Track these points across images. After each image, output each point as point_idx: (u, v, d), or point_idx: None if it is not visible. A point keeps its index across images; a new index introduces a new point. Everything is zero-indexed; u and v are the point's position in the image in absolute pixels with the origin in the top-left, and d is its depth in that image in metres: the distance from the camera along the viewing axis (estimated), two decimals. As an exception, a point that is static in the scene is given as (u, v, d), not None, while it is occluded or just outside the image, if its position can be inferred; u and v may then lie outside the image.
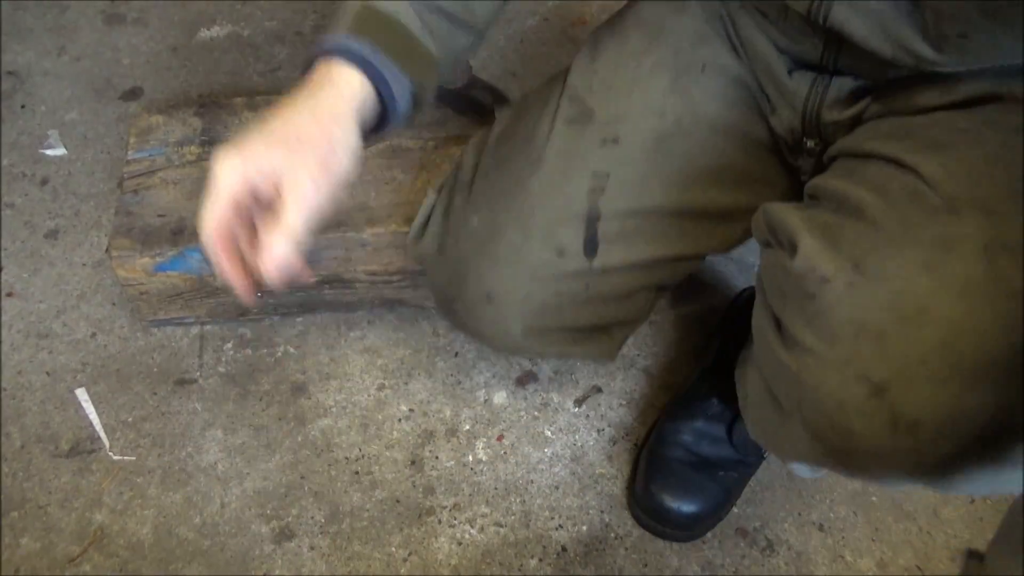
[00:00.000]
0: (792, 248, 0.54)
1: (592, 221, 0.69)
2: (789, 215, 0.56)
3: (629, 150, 0.69)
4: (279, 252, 0.49)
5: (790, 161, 0.73)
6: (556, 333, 0.75)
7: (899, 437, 0.47)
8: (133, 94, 1.22)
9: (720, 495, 0.84)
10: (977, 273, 0.46)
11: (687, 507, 0.83)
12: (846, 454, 0.52)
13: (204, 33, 1.31)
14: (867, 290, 0.48)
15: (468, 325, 0.76)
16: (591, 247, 0.70)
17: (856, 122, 0.65)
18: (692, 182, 0.70)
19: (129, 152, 0.96)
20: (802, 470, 0.74)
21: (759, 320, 0.61)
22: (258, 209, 0.51)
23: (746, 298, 0.95)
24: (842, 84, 0.64)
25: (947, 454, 0.46)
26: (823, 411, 0.51)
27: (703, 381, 0.90)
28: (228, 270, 0.51)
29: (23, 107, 1.19)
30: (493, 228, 0.70)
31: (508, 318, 0.72)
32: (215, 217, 0.50)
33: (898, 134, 0.58)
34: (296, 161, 0.49)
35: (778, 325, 0.56)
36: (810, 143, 0.68)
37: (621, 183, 0.69)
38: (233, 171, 0.49)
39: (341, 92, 0.52)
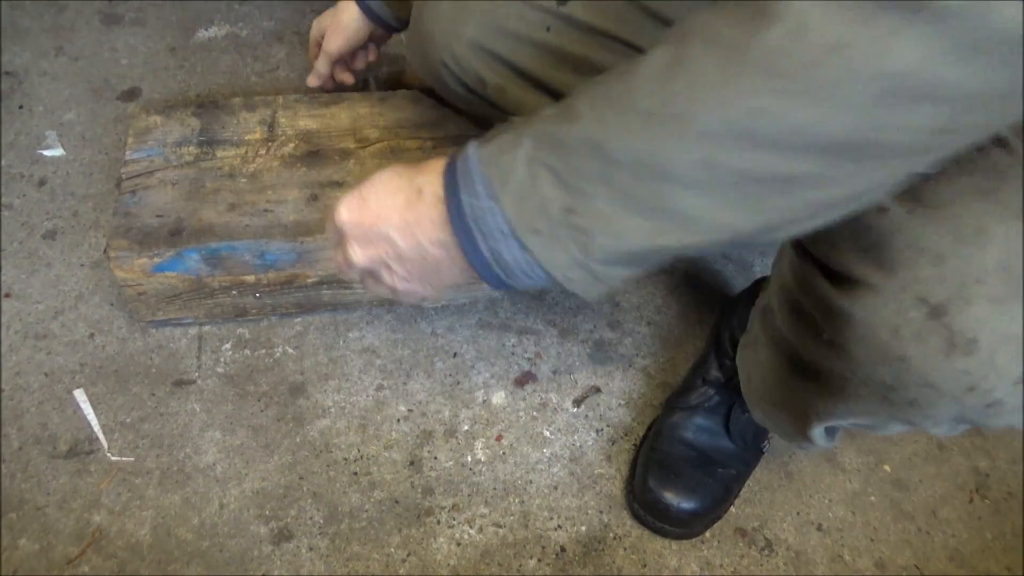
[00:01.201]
0: None
1: None
2: None
3: None
4: (322, 61, 1.04)
5: None
6: (504, 66, 0.77)
7: (955, 358, 0.48)
8: (131, 94, 1.21)
9: (719, 492, 0.85)
10: None
11: (686, 504, 0.83)
12: (895, 390, 0.53)
13: (202, 33, 1.31)
14: (925, 215, 0.48)
15: (424, 26, 0.79)
16: None
17: None
18: None
19: (127, 152, 0.96)
20: (811, 444, 0.72)
21: (792, 279, 0.60)
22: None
23: (744, 293, 0.96)
24: None
25: (1001, 374, 0.48)
26: (876, 344, 0.51)
27: (697, 374, 0.91)
28: (312, 59, 1.07)
29: (21, 107, 1.19)
30: None
31: (465, 19, 0.75)
32: (311, 42, 1.07)
33: None
34: (331, 27, 1.00)
35: (824, 272, 0.55)
36: None
37: None
38: (315, 25, 1.04)
39: (351, 10, 0.98)
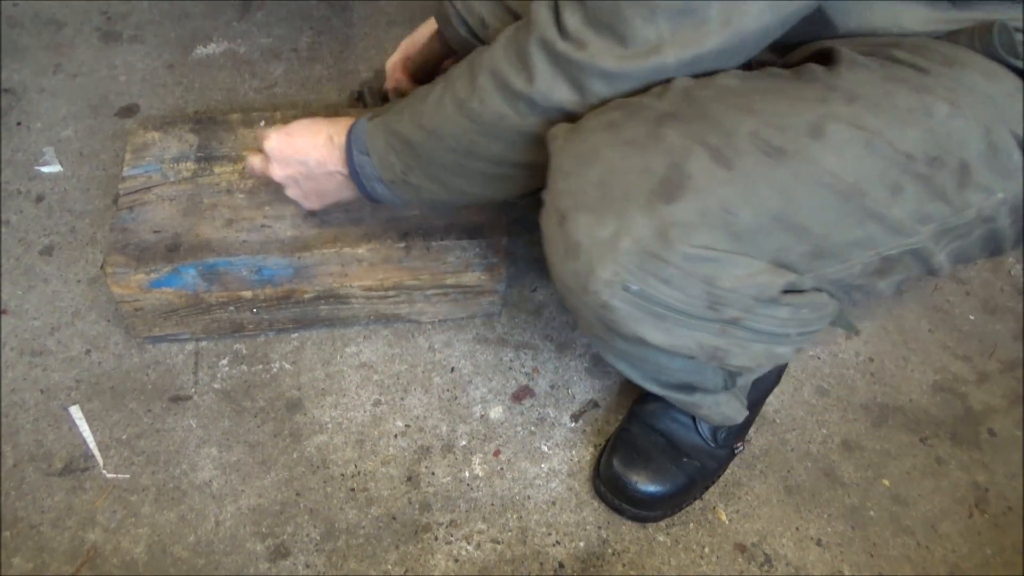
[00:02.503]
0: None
1: None
2: None
3: None
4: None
5: None
6: (508, 13, 0.84)
7: (568, 260, 0.59)
8: (129, 111, 1.22)
9: (682, 481, 0.86)
10: (642, 132, 0.57)
11: (646, 487, 0.85)
12: (565, 298, 0.63)
13: (200, 50, 1.32)
14: (568, 143, 0.60)
15: None
16: None
17: None
18: None
19: (125, 169, 0.96)
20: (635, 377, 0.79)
21: None
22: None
23: None
24: None
25: (597, 277, 0.57)
26: (545, 254, 0.62)
27: None
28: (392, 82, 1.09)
29: (19, 124, 1.19)
30: None
31: None
32: (395, 66, 1.07)
33: None
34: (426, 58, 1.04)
35: None
36: None
37: None
38: (401, 50, 1.06)
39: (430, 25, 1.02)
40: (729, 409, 0.81)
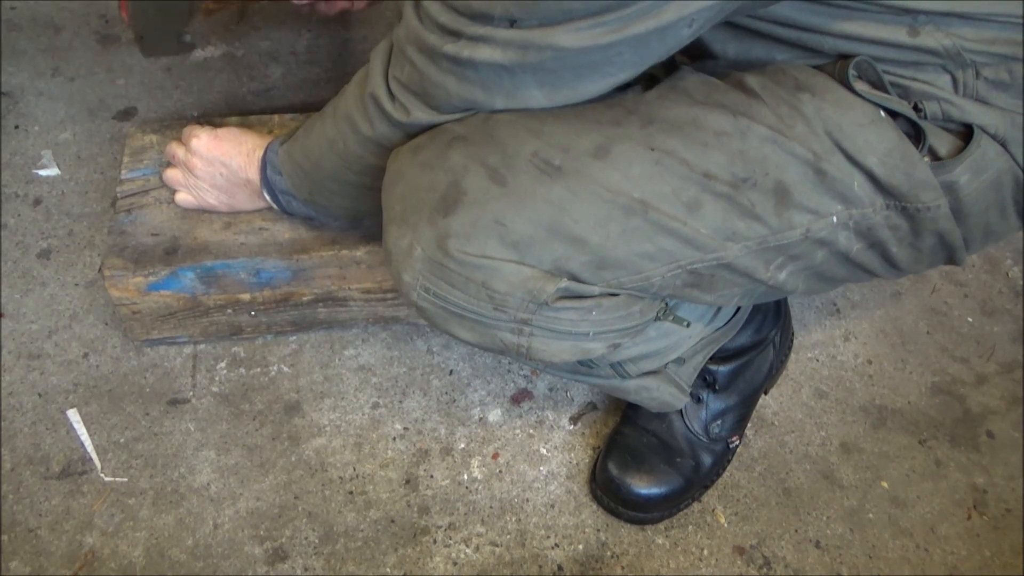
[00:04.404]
0: None
1: None
2: None
3: None
4: None
5: None
6: None
7: (388, 265, 0.66)
8: (127, 114, 1.22)
9: (677, 482, 0.86)
10: (434, 153, 0.62)
11: (639, 488, 0.85)
12: None
13: (198, 53, 1.31)
14: (390, 162, 0.67)
15: None
16: None
17: None
18: None
19: (123, 171, 0.96)
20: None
21: None
22: None
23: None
24: None
25: (403, 280, 0.64)
26: None
27: None
28: None
29: (16, 127, 1.19)
30: None
31: None
32: None
33: None
34: None
35: None
36: None
37: None
38: None
39: None
40: (663, 394, 0.82)
